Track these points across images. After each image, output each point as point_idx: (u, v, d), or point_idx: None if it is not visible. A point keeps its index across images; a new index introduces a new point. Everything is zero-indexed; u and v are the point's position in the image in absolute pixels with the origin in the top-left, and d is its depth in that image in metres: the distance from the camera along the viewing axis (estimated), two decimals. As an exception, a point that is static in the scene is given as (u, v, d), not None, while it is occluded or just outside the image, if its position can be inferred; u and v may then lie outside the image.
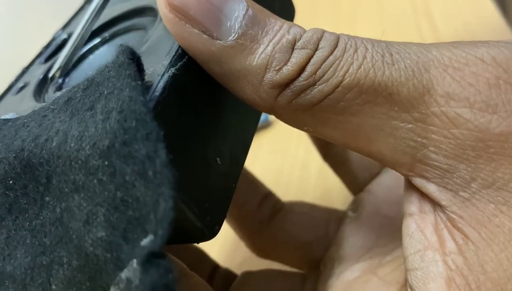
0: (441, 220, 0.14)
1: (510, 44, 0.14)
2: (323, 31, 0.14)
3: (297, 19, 0.20)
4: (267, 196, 0.24)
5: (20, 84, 0.21)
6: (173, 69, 0.14)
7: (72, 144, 0.13)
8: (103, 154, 0.12)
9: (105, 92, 0.13)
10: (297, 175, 0.34)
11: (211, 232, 0.15)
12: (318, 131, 0.14)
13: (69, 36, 0.22)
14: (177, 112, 0.14)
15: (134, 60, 0.13)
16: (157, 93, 0.13)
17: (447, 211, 0.14)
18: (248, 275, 0.23)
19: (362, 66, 0.13)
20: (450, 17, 0.39)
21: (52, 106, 0.15)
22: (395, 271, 0.16)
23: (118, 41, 0.20)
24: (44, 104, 0.15)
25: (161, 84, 0.13)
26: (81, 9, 0.25)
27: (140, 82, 0.12)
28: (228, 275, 0.23)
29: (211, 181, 0.15)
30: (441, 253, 0.14)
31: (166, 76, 0.14)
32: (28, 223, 0.14)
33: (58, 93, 0.15)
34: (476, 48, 0.13)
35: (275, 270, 0.23)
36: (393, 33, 0.42)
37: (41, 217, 0.14)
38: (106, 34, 0.21)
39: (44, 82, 0.20)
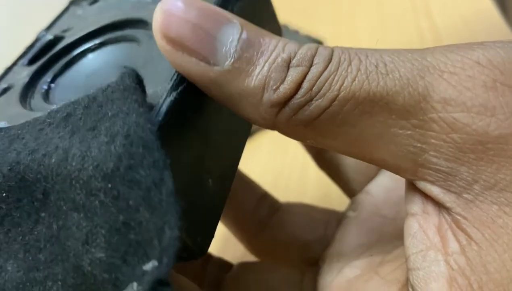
0: (446, 221, 0.14)
1: (506, 45, 0.14)
2: (317, 46, 0.14)
3: (298, 20, 0.20)
4: (264, 197, 0.24)
5: (3, 84, 0.20)
6: (174, 94, 0.14)
7: (74, 163, 0.13)
8: (106, 176, 0.12)
9: (109, 114, 0.13)
10: (297, 176, 0.34)
11: (200, 252, 0.15)
12: (320, 143, 0.15)
13: (55, 37, 0.21)
14: (177, 136, 0.14)
15: (140, 84, 0.13)
16: (160, 118, 0.13)
17: (452, 213, 0.14)
18: (245, 265, 0.22)
19: (357, 79, 0.13)
20: (450, 16, 0.39)
21: (48, 120, 0.14)
22: (397, 270, 0.16)
23: (108, 49, 0.20)
24: (38, 115, 0.15)
25: (163, 109, 0.14)
26: (66, 10, 0.24)
27: (147, 109, 0.13)
28: (222, 264, 0.23)
29: (203, 202, 0.15)
30: (444, 253, 0.14)
31: (168, 100, 0.14)
32: (21, 237, 0.14)
33: (54, 106, 0.15)
34: (472, 51, 0.13)
35: (273, 262, 0.23)
36: (393, 33, 0.42)
37: (36, 232, 0.13)
38: (95, 42, 0.20)
39: (29, 87, 0.19)
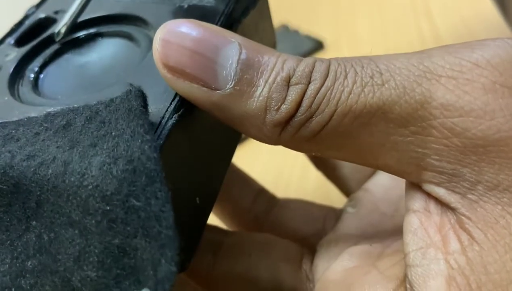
0: (449, 221, 0.14)
1: (506, 43, 0.13)
2: (315, 61, 0.14)
3: (298, 20, 0.20)
4: (261, 192, 0.24)
5: None
6: (176, 116, 0.14)
7: (72, 179, 0.13)
8: (105, 198, 0.12)
9: (112, 133, 0.13)
10: (297, 175, 0.34)
11: (182, 269, 0.15)
12: (325, 154, 0.15)
13: (46, 18, 0.21)
14: (175, 157, 0.14)
15: (145, 107, 0.13)
16: (161, 141, 0.13)
17: (457, 213, 0.14)
18: (246, 235, 0.22)
19: (353, 92, 0.14)
20: (450, 17, 0.40)
21: (45, 124, 0.14)
22: (396, 266, 0.16)
23: (103, 43, 0.20)
24: (31, 111, 0.15)
25: (165, 132, 0.14)
26: None
27: (153, 136, 0.13)
28: (220, 230, 0.22)
29: (189, 220, 0.15)
30: (444, 252, 0.14)
31: (170, 123, 0.14)
32: (9, 242, 0.14)
33: (51, 109, 0.15)
34: (471, 52, 0.13)
35: (274, 236, 0.22)
36: (393, 33, 0.42)
37: (25, 239, 0.13)
38: (90, 31, 0.20)
39: (18, 73, 0.19)
